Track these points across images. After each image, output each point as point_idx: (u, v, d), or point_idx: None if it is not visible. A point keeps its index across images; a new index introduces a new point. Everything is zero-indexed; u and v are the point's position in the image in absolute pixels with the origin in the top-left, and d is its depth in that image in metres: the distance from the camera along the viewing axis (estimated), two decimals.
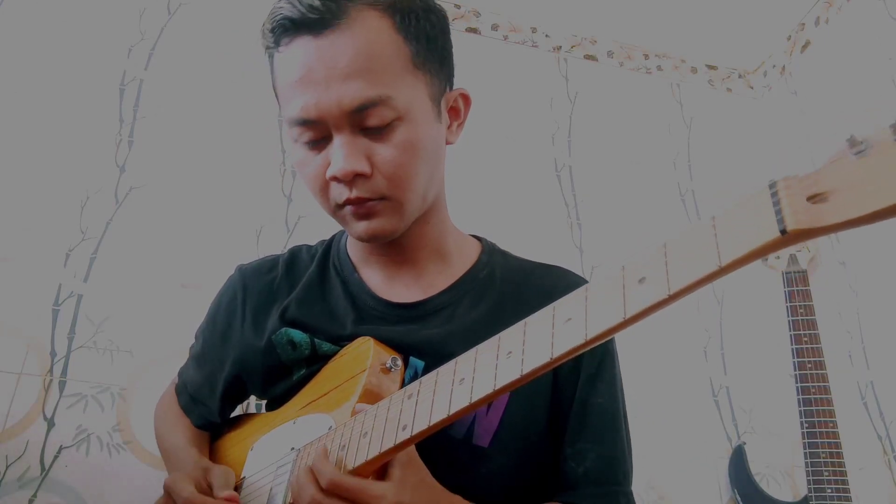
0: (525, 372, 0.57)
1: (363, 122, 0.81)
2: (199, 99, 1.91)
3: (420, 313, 0.91)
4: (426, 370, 0.84)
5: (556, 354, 0.55)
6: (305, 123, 0.82)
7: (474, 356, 0.63)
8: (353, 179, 0.82)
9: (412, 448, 0.73)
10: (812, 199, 0.43)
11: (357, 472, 0.70)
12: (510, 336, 0.61)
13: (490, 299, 0.92)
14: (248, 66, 2.00)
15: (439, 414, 0.63)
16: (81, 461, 1.44)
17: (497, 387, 0.59)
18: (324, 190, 0.85)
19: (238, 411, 1.11)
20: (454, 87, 0.94)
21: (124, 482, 1.44)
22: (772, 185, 0.45)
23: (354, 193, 0.82)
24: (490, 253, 1.00)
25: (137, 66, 1.91)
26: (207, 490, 0.82)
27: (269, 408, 0.99)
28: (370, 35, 0.82)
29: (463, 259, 0.98)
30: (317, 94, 0.80)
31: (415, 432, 0.65)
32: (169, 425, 1.05)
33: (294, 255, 1.03)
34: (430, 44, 0.87)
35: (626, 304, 0.52)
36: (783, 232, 0.43)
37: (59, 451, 1.44)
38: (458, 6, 2.28)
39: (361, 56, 0.81)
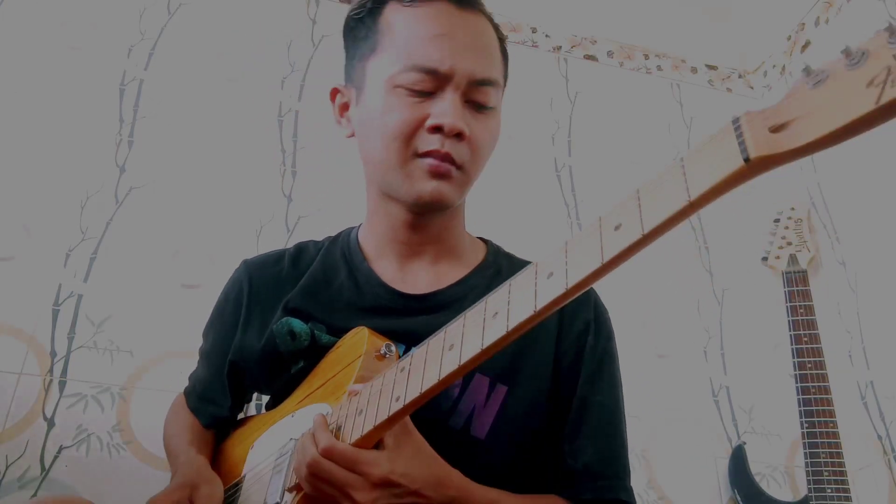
0: (511, 328, 0.58)
1: (474, 94, 0.90)
2: (199, 99, 1.91)
3: (429, 304, 0.92)
4: None
5: (540, 307, 0.57)
6: (431, 73, 0.88)
7: (462, 322, 0.64)
8: (453, 136, 0.87)
9: (408, 419, 0.73)
10: (774, 129, 0.45)
11: (354, 446, 0.70)
12: (495, 298, 0.62)
13: None
14: (248, 66, 2.00)
15: (430, 380, 0.64)
16: (81, 461, 1.44)
17: (485, 345, 0.60)
18: (409, 136, 0.88)
19: (242, 414, 1.11)
20: None
21: (124, 482, 1.44)
22: (735, 121, 0.47)
23: (446, 148, 0.86)
24: (496, 254, 1.02)
25: (137, 66, 1.91)
26: None
27: (270, 406, 0.99)
28: (494, 36, 0.96)
29: (472, 257, 1.00)
30: (455, 52, 0.88)
31: (407, 401, 0.65)
32: (176, 428, 1.05)
33: (300, 249, 1.04)
34: (506, 81, 1.03)
35: (604, 250, 0.53)
36: (746, 160, 0.44)
37: (59, 451, 1.44)
38: None
39: (492, 44, 0.95)
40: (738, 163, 0.45)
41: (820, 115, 0.42)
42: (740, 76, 2.48)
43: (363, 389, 0.74)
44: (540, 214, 2.04)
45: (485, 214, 1.91)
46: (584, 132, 2.23)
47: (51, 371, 1.51)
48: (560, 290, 0.55)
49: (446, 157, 0.87)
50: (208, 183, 1.80)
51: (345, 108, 0.99)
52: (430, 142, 0.87)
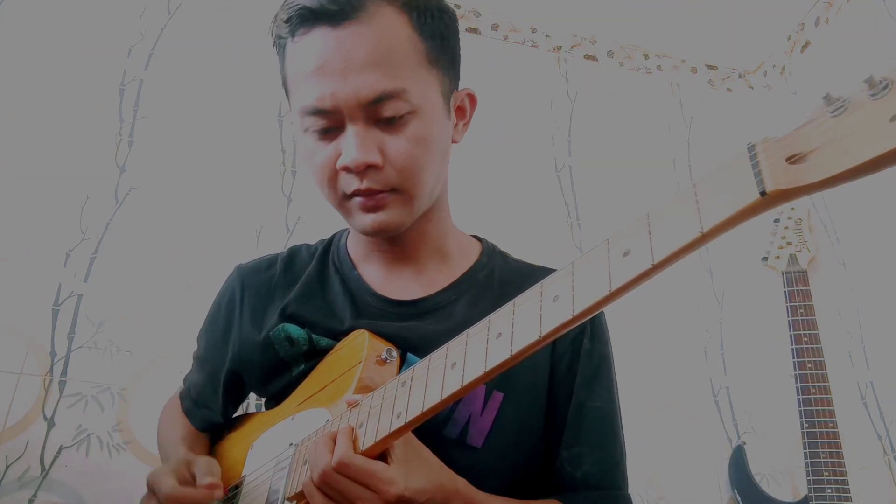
0: (515, 352, 0.57)
1: (378, 113, 0.82)
2: (199, 99, 1.91)
3: (419, 311, 0.91)
4: None
5: (545, 332, 0.55)
6: (319, 113, 0.82)
7: (465, 340, 0.63)
8: (364, 170, 0.82)
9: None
10: (791, 159, 0.43)
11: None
12: (499, 318, 0.61)
13: (488, 300, 0.92)
14: (248, 66, 2.00)
15: (432, 399, 0.63)
16: (81, 461, 1.44)
17: (488, 368, 0.59)
18: (332, 180, 0.85)
19: (239, 411, 1.11)
20: (461, 88, 0.95)
21: (124, 482, 1.44)
22: (750, 148, 0.45)
23: (365, 184, 0.82)
24: (490, 254, 1.00)
25: (137, 66, 1.91)
26: (191, 481, 0.81)
27: (269, 406, 0.99)
28: (388, 29, 0.83)
29: (463, 258, 0.98)
30: (334, 84, 0.81)
31: (409, 419, 0.65)
32: (168, 429, 1.05)
33: (293, 254, 1.04)
34: (443, 42, 0.89)
35: (612, 278, 0.51)
36: (763, 194, 0.43)
37: (59, 451, 1.44)
38: (457, 6, 2.27)
39: (379, 49, 0.82)
40: (753, 196, 0.43)
41: (841, 148, 0.40)
42: (740, 76, 2.48)
43: (363, 401, 0.73)
44: (540, 214, 2.04)
45: (485, 214, 1.91)
46: (584, 132, 2.23)
47: (51, 371, 1.50)
48: (566, 317, 0.54)
49: (370, 192, 0.83)
50: (208, 183, 1.80)
51: None
52: (349, 182, 0.83)
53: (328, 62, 0.81)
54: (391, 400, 0.68)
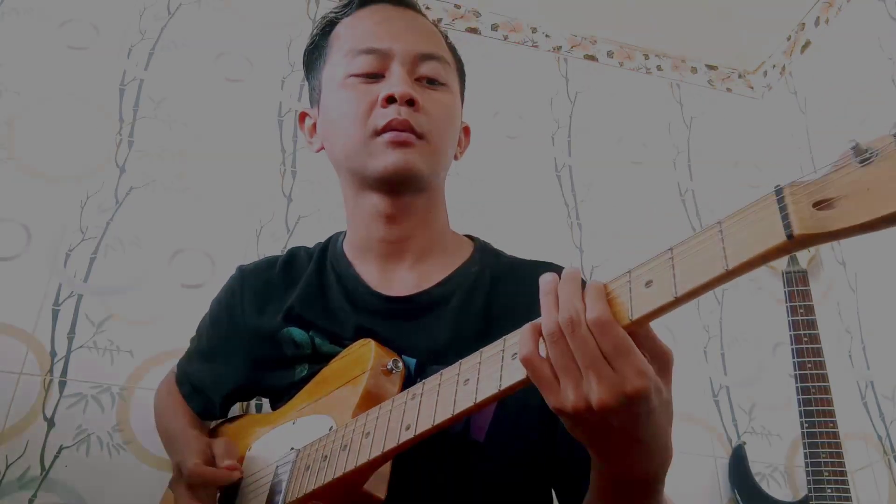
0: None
1: (421, 69, 0.93)
2: (199, 99, 1.91)
3: (413, 307, 0.92)
4: (418, 367, 0.85)
5: None
6: (373, 52, 0.92)
7: (478, 359, 0.63)
8: (405, 104, 0.89)
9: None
10: (818, 205, 0.44)
11: (358, 470, 0.70)
12: (515, 339, 0.61)
13: (481, 296, 0.93)
14: (249, 66, 2.00)
15: (444, 414, 0.63)
16: (81, 461, 1.44)
17: (503, 387, 0.59)
18: (365, 115, 0.91)
19: (238, 410, 1.11)
20: None
21: (124, 482, 1.44)
22: (778, 192, 0.46)
23: (403, 115, 0.88)
24: (482, 251, 1.01)
25: (137, 66, 1.91)
26: (212, 462, 0.87)
27: (270, 407, 1.00)
28: (434, 28, 1.01)
29: (457, 255, 0.99)
30: (394, 33, 0.94)
31: (418, 432, 0.65)
32: (170, 410, 1.08)
33: (292, 256, 1.05)
34: (462, 74, 1.04)
35: (633, 307, 0.52)
36: (790, 237, 0.44)
37: (59, 451, 1.44)
38: (458, 6, 2.27)
39: (432, 32, 0.99)
40: (780, 238, 0.44)
41: (869, 198, 0.41)
42: (740, 76, 2.48)
43: (371, 411, 0.73)
44: (540, 214, 2.04)
45: (485, 214, 1.91)
46: (584, 132, 2.22)
47: (51, 371, 1.50)
48: None
49: (404, 125, 0.88)
50: (208, 183, 1.80)
51: (314, 128, 1.03)
52: (385, 115, 0.89)
53: (392, 21, 0.95)
54: (400, 412, 0.70)
